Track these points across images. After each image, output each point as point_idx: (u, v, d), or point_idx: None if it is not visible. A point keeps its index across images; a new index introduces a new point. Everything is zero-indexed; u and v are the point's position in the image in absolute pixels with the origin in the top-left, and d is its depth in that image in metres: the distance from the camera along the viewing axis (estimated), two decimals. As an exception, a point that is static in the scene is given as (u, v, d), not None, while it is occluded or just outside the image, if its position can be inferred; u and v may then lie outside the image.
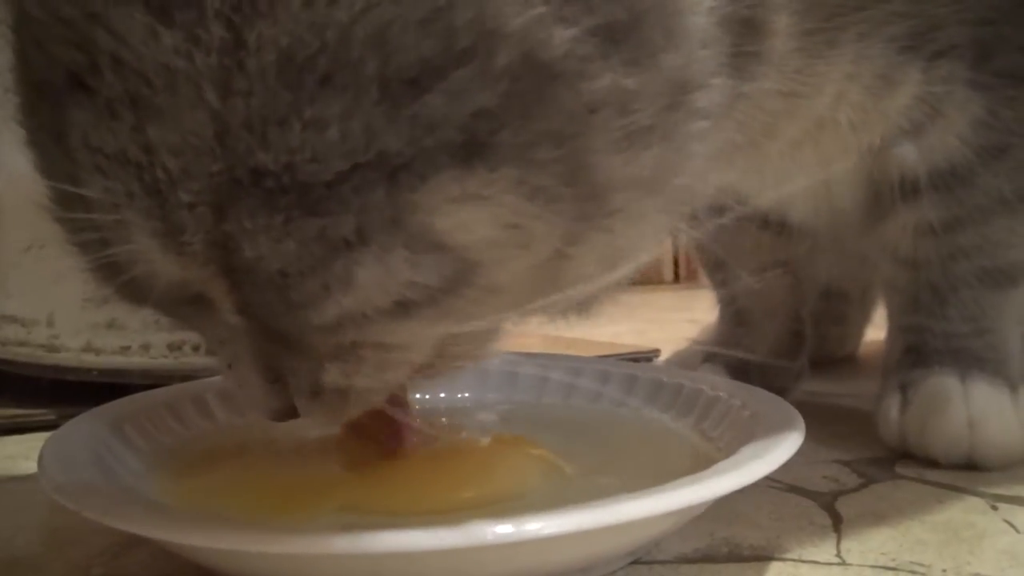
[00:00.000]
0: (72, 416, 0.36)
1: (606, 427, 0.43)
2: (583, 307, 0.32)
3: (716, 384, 0.42)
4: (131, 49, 0.21)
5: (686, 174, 0.28)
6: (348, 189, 0.22)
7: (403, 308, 0.24)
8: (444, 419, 0.42)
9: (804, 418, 0.34)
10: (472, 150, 0.22)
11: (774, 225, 0.56)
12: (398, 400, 0.32)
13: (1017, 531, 0.36)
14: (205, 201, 0.22)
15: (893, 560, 0.33)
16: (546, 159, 0.23)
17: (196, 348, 0.57)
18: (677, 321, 1.13)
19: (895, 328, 0.50)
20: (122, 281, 0.25)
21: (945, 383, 0.45)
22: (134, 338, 0.56)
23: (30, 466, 0.31)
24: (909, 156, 0.46)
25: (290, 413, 0.28)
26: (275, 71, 0.21)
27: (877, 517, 0.37)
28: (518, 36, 0.22)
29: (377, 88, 0.21)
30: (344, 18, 0.21)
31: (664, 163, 0.26)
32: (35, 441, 0.33)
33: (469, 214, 0.23)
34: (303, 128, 0.21)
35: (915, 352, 0.47)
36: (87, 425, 0.35)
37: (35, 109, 0.25)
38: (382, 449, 0.33)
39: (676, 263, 1.83)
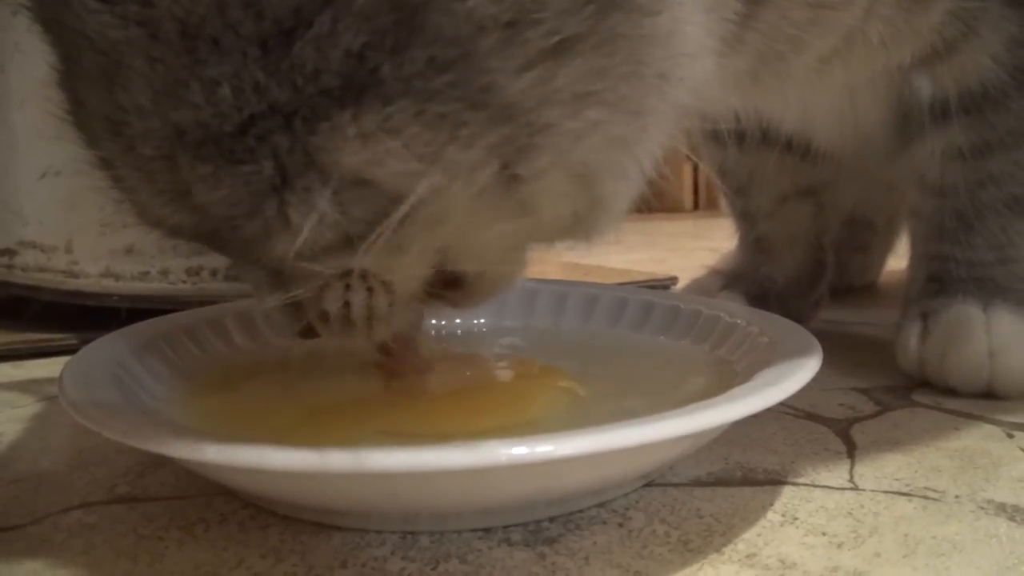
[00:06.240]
0: (93, 340, 0.36)
1: (624, 352, 0.43)
2: (587, 230, 0.30)
3: (734, 311, 0.42)
4: (93, 29, 0.24)
5: (647, 78, 0.26)
6: (252, 138, 0.23)
7: (348, 242, 0.25)
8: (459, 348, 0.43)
9: (822, 346, 0.34)
10: (359, 90, 0.23)
11: (798, 149, 0.54)
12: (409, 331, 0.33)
13: (1033, 459, 0.36)
14: (161, 154, 0.24)
15: (907, 486, 0.33)
16: (439, 87, 0.23)
17: (214, 273, 0.57)
18: (696, 249, 1.12)
19: (918, 256, 0.49)
20: (143, 216, 0.28)
21: (967, 312, 0.44)
22: (152, 263, 0.57)
23: (54, 389, 0.32)
24: (939, 77, 0.44)
25: (310, 332, 0.30)
26: (177, 39, 0.23)
27: (892, 444, 0.37)
28: None
29: (256, 46, 0.23)
30: None
31: (602, 72, 0.25)
32: (58, 365, 0.33)
33: (376, 148, 0.23)
34: (202, 88, 0.23)
35: (938, 281, 0.46)
36: (107, 348, 0.35)
37: (64, 79, 0.27)
38: (382, 373, 0.35)
39: (696, 191, 1.81)
